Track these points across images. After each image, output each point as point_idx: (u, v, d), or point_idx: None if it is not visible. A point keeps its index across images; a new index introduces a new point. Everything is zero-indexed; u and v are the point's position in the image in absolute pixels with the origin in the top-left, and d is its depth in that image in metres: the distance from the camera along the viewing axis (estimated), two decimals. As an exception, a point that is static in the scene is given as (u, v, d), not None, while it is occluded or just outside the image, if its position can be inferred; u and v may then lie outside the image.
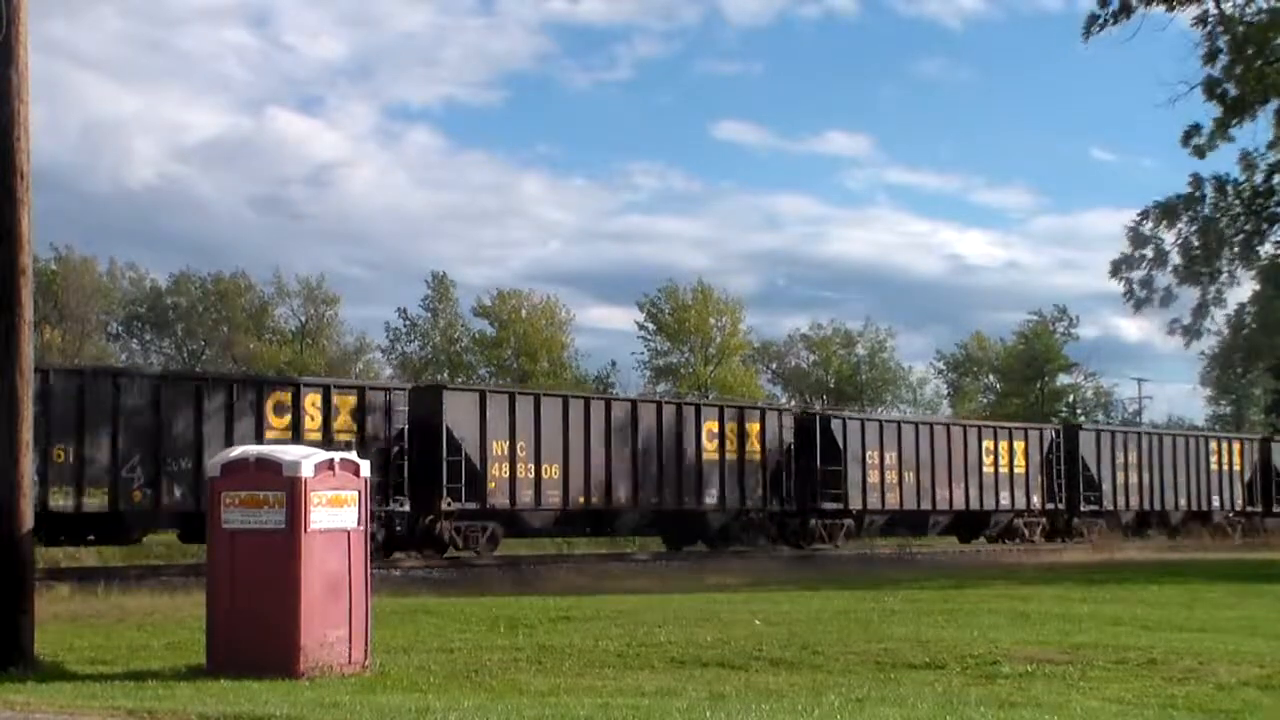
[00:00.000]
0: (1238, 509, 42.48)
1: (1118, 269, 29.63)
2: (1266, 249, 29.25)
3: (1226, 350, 36.76)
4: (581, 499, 28.20)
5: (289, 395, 24.83)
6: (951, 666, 10.63)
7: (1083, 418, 66.89)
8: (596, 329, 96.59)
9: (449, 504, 26.22)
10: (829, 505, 32.60)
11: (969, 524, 36.57)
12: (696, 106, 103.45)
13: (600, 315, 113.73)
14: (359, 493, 10.55)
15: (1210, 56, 27.16)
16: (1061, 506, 37.72)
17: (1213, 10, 27.36)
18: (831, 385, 68.26)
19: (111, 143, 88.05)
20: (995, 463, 36.17)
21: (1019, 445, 36.98)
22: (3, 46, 10.90)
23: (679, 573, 24.79)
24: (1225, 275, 29.21)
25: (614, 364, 64.10)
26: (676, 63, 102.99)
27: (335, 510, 10.30)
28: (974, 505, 35.59)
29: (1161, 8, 27.30)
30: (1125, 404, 74.81)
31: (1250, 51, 26.66)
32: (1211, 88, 27.00)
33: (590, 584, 20.92)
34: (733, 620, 13.96)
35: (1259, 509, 43.15)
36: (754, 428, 31.36)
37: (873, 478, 33.35)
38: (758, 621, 13.76)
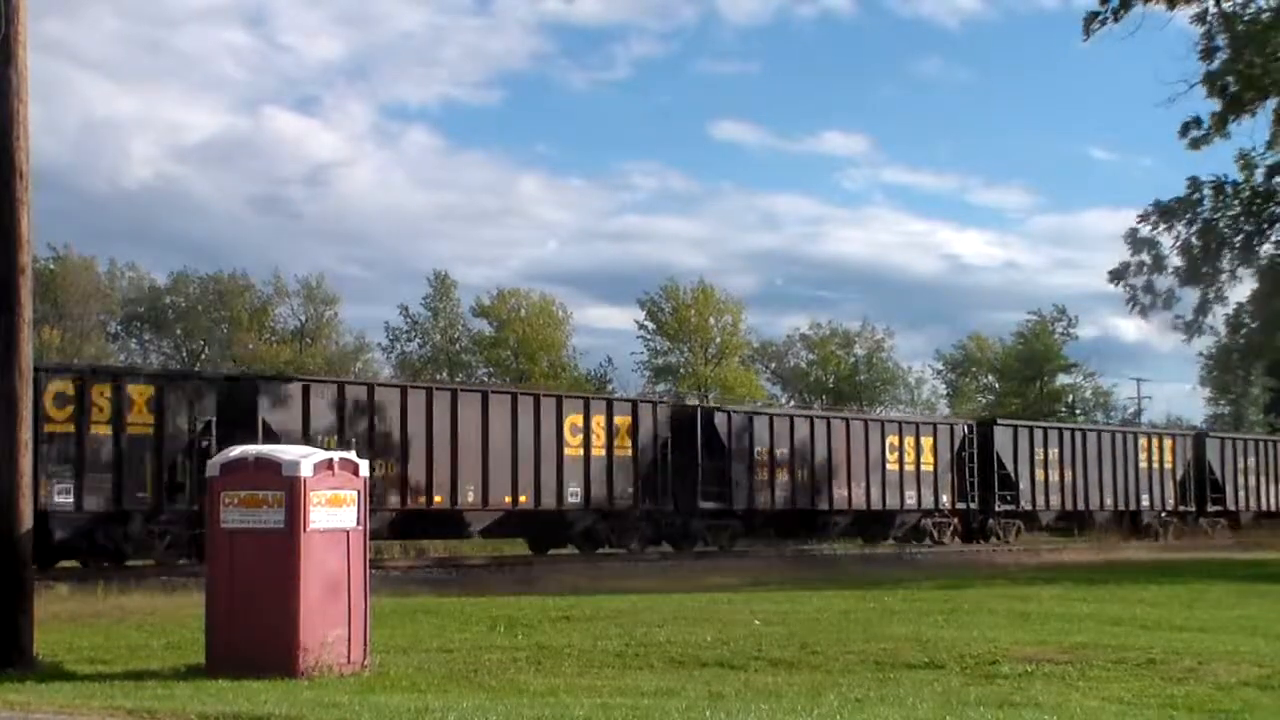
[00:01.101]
0: (1169, 509, 40.60)
1: (1118, 276, 29.59)
2: (1266, 249, 29.24)
3: (1225, 350, 36.36)
4: (423, 499, 25.89)
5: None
6: (951, 666, 10.63)
7: (1082, 418, 66.89)
8: (595, 329, 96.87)
9: None
10: (709, 505, 30.63)
11: (872, 525, 34.57)
12: (694, 106, 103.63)
13: (598, 315, 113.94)
14: (358, 493, 10.55)
15: (1209, 54, 27.16)
16: (974, 506, 35.81)
17: (1212, 9, 27.38)
18: (830, 385, 68.26)
19: (109, 143, 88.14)
20: (900, 460, 34.14)
21: (926, 441, 34.94)
22: (2, 46, 10.90)
23: (679, 573, 24.78)
24: (1225, 275, 29.20)
25: (610, 361, 64.11)
26: (674, 63, 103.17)
27: (334, 510, 10.30)
28: (876, 505, 33.62)
29: (1161, 5, 27.29)
30: (1125, 404, 74.85)
31: (1249, 50, 26.67)
32: (1212, 83, 26.99)
33: (590, 584, 20.92)
34: (732, 620, 13.96)
35: (1192, 508, 41.29)
36: (624, 422, 29.20)
37: (761, 475, 31.37)
38: (757, 621, 13.77)
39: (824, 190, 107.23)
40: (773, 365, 71.03)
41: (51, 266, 55.31)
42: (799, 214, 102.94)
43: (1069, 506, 37.92)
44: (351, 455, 10.78)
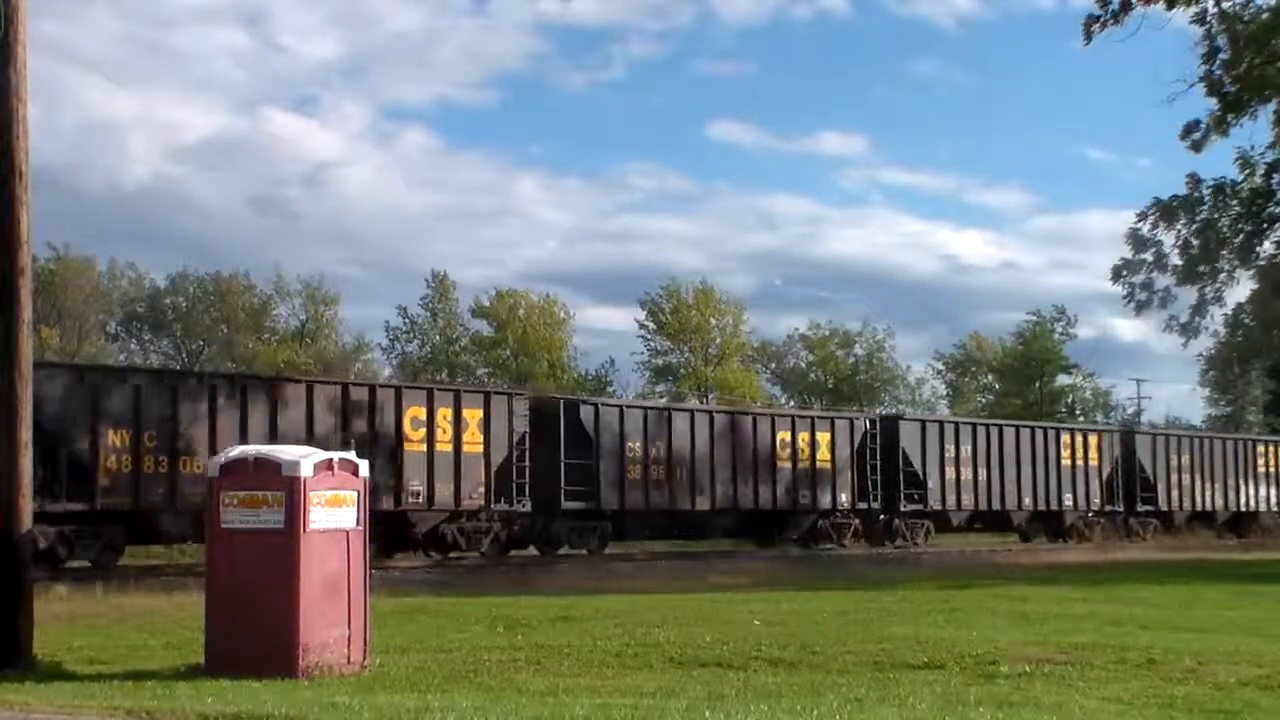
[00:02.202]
0: (1095, 509, 38.43)
1: (1119, 274, 29.59)
2: (1266, 248, 29.24)
3: (1224, 350, 36.23)
4: None
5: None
6: (951, 666, 10.63)
7: (1081, 418, 66.88)
8: (593, 329, 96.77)
9: None
10: (574, 505, 28.56)
11: (763, 526, 32.38)
12: (691, 107, 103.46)
13: (597, 315, 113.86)
14: (358, 493, 10.55)
15: (1209, 55, 27.18)
16: (877, 506, 33.77)
17: (1212, 9, 27.38)
18: (830, 385, 68.27)
19: (106, 143, 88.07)
20: (793, 457, 32.00)
21: (823, 437, 32.69)
22: (1, 46, 10.90)
23: (678, 573, 24.78)
24: (1224, 275, 29.20)
25: (611, 362, 64.08)
26: (671, 63, 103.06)
27: (334, 510, 10.31)
28: (765, 504, 31.41)
29: (1161, 5, 27.29)
30: (1124, 405, 74.87)
31: (1249, 51, 26.68)
32: (1212, 84, 27.00)
33: (589, 584, 20.91)
34: (732, 620, 13.97)
35: (1120, 508, 39.27)
36: (474, 415, 26.87)
37: (634, 474, 29.13)
38: (757, 621, 13.77)
39: (822, 190, 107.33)
40: (773, 365, 71.04)
41: (51, 267, 55.29)
42: (797, 214, 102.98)
43: (983, 506, 35.85)
44: (351, 455, 10.79)
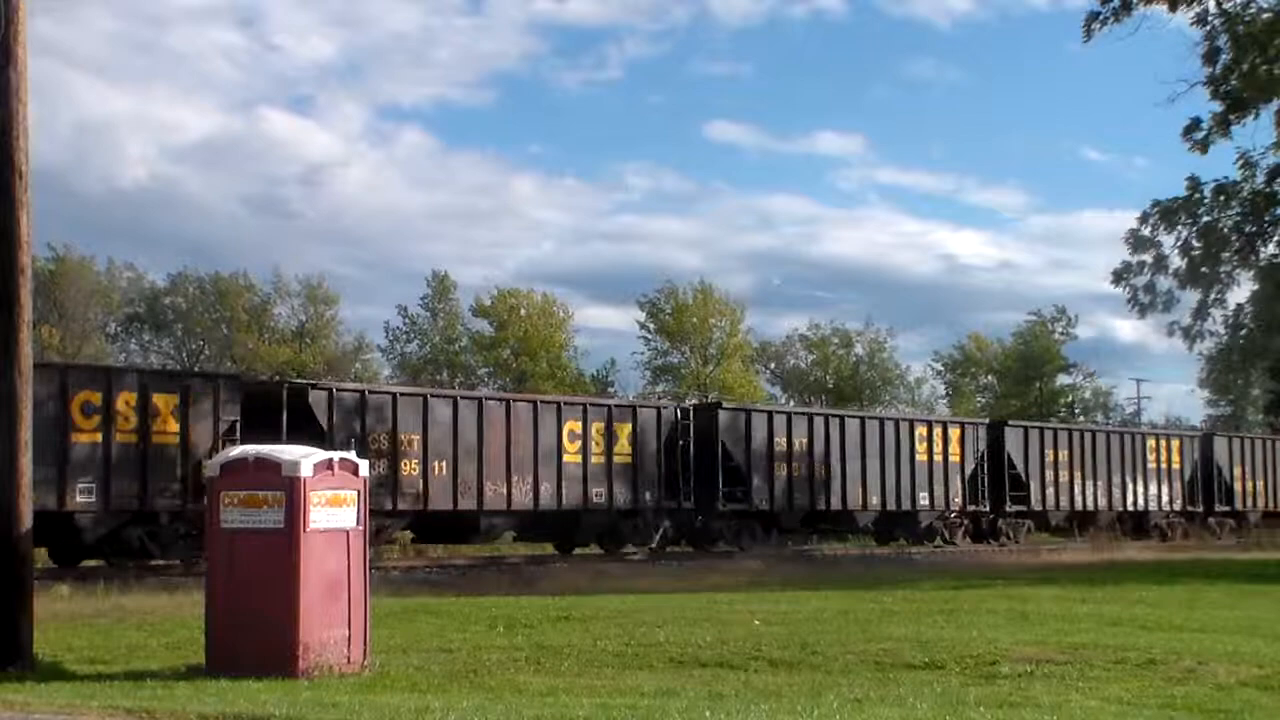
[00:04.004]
0: (956, 507, 35.30)
1: (1120, 276, 29.55)
2: (1269, 249, 29.22)
3: (1225, 351, 35.99)
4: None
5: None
6: (951, 666, 10.63)
7: (1081, 418, 66.84)
8: (591, 329, 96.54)
9: None
10: None
11: (549, 527, 29.21)
12: (688, 107, 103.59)
13: (595, 315, 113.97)
14: (358, 493, 10.56)
15: (1211, 55, 27.17)
16: (689, 504, 30.46)
17: (1213, 9, 27.38)
18: (831, 386, 68.24)
19: (103, 143, 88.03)
20: (584, 449, 28.32)
21: (622, 429, 29.17)
22: (1, 46, 10.90)
23: (678, 573, 24.79)
24: (1225, 276, 29.19)
25: (613, 363, 64.04)
26: (667, 63, 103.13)
27: (334, 510, 10.31)
28: (548, 504, 27.88)
29: (1163, 6, 27.29)
30: (1124, 405, 74.86)
31: (1251, 51, 26.67)
32: (1215, 84, 27.00)
33: (589, 584, 20.92)
34: (732, 620, 13.96)
35: (985, 507, 36.12)
36: (165, 402, 23.38)
37: (408, 469, 25.80)
38: (757, 621, 13.76)
39: (819, 191, 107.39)
40: (773, 365, 71.02)
41: (51, 267, 55.27)
42: (794, 214, 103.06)
43: (820, 505, 32.66)
44: (351, 455, 10.79)
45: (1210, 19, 27.37)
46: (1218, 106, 27.46)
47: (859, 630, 13.00)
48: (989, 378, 74.55)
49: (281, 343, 60.34)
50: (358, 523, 10.53)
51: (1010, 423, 38.77)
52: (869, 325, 69.75)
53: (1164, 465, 40.79)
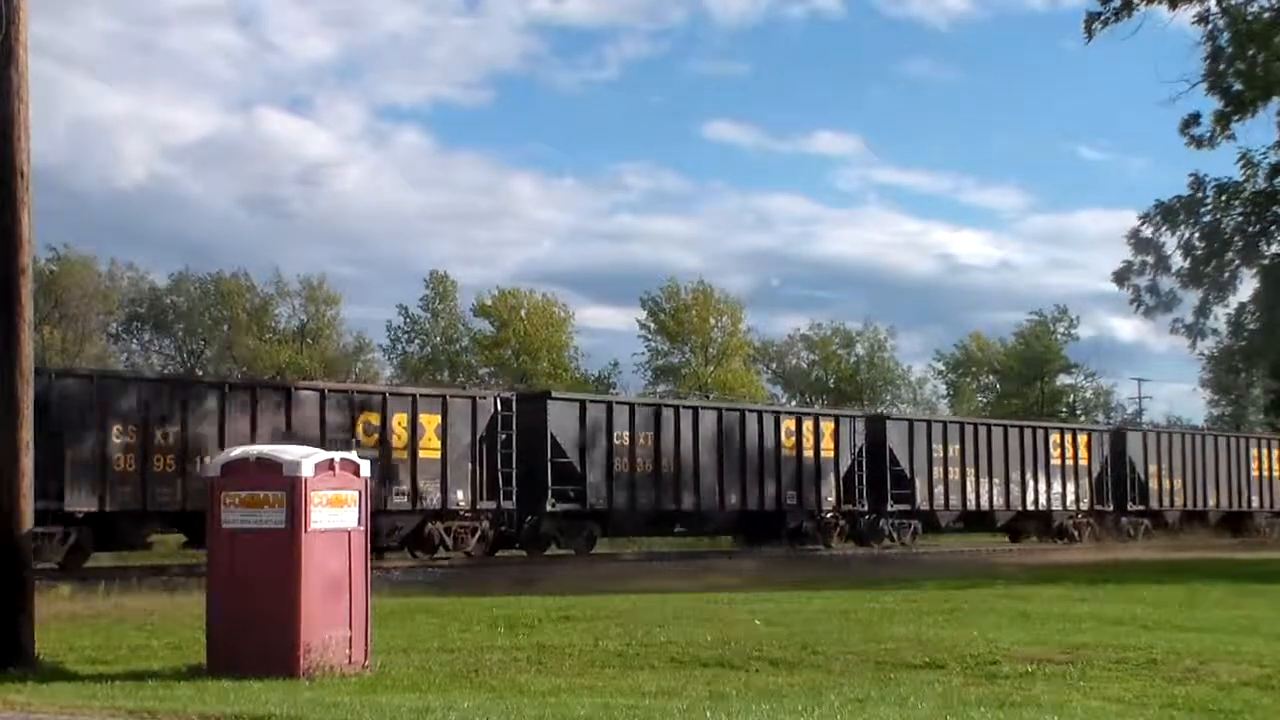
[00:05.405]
0: (830, 507, 32.96)
1: (1122, 277, 29.52)
2: (1271, 249, 29.19)
3: (1226, 351, 35.73)
4: None
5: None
6: (951, 666, 10.63)
7: (1081, 418, 66.84)
8: (590, 329, 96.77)
9: None
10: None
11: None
12: (686, 106, 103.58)
13: (594, 315, 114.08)
14: (359, 493, 10.56)
15: (1213, 54, 27.15)
16: (510, 504, 27.51)
17: (1214, 8, 27.37)
18: (831, 385, 68.27)
19: (101, 143, 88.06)
20: (382, 443, 25.45)
21: (430, 420, 26.24)
22: (2, 46, 10.90)
23: (679, 573, 24.80)
24: (1228, 275, 29.15)
25: (615, 364, 64.03)
26: (664, 63, 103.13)
27: (335, 510, 10.31)
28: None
29: (1164, 4, 27.27)
30: (1124, 405, 74.85)
31: (1252, 50, 26.66)
32: (1216, 82, 26.97)
33: (590, 584, 20.92)
34: (733, 620, 13.96)
35: (863, 507, 33.66)
36: None
37: (117, 463, 22.85)
38: (758, 621, 13.77)
39: (817, 190, 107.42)
40: (773, 365, 71.03)
41: (52, 267, 55.29)
42: (793, 214, 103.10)
43: (670, 505, 30.14)
44: (352, 455, 10.79)
45: (1211, 18, 27.37)
46: (1219, 103, 27.43)
47: (860, 630, 13.01)
48: (990, 377, 74.59)
49: (282, 343, 60.36)
50: (359, 523, 10.53)
51: (892, 415, 37.12)
52: (869, 325, 69.86)
53: (1070, 462, 38.24)
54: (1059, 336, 71.48)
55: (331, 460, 10.43)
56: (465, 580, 22.79)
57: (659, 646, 11.78)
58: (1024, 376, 70.58)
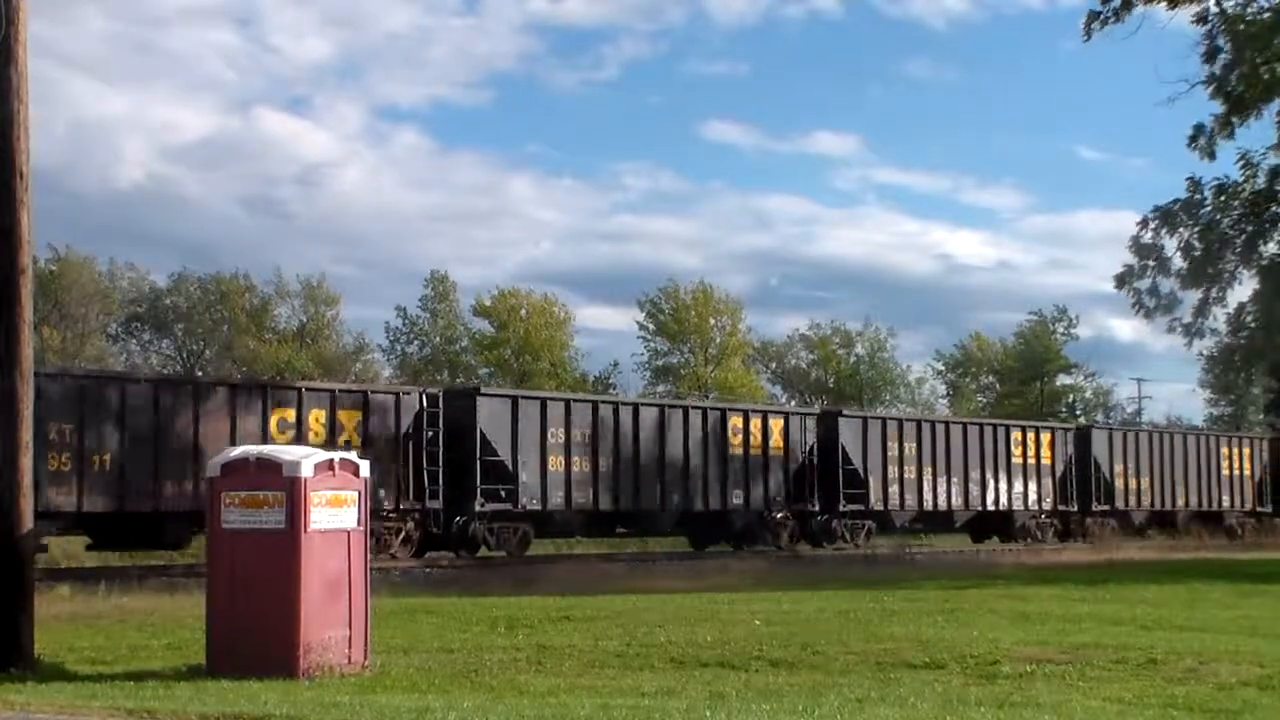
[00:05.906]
0: (779, 506, 31.71)
1: (1123, 281, 29.51)
2: (1270, 249, 29.20)
3: (1226, 350, 35.60)
4: None
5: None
6: (951, 666, 10.64)
7: (1080, 418, 66.85)
8: (590, 329, 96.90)
9: None
10: None
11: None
12: (684, 107, 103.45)
13: (593, 315, 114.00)
14: (359, 493, 10.56)
15: (1211, 55, 27.16)
16: (437, 504, 26.39)
17: (1213, 9, 27.37)
18: (831, 385, 68.26)
19: (99, 143, 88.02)
20: (297, 443, 23.19)
21: (349, 418, 25.36)
22: (2, 46, 10.90)
23: (679, 573, 24.81)
24: (1227, 275, 29.16)
25: (616, 364, 64.01)
26: (663, 63, 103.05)
27: (335, 510, 10.31)
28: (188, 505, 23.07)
29: (1163, 5, 27.28)
30: (1124, 404, 74.86)
31: (1252, 51, 26.66)
32: (1218, 84, 26.98)
33: (590, 584, 20.92)
34: (733, 620, 13.96)
35: (815, 507, 32.27)
36: None
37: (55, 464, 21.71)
38: (757, 621, 13.77)
39: (816, 190, 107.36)
40: (773, 365, 71.03)
41: (52, 268, 55.29)
42: (792, 214, 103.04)
43: (608, 505, 28.84)
44: (352, 456, 10.79)
45: (1210, 18, 27.37)
46: (1218, 106, 27.47)
47: (860, 630, 13.01)
48: (990, 378, 74.59)
49: (282, 343, 60.35)
50: (358, 523, 10.54)
51: (845, 412, 35.46)
52: (869, 325, 69.83)
53: (1032, 461, 36.96)
54: (1058, 336, 71.49)
55: (331, 460, 10.44)
56: (465, 580, 22.80)
57: (659, 646, 11.78)
58: (1023, 376, 70.58)
